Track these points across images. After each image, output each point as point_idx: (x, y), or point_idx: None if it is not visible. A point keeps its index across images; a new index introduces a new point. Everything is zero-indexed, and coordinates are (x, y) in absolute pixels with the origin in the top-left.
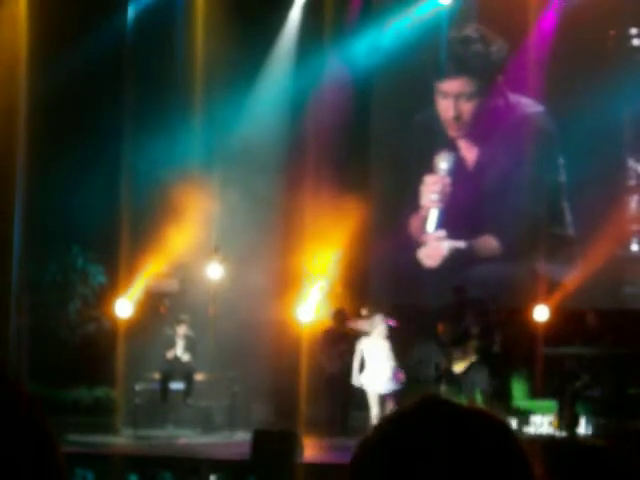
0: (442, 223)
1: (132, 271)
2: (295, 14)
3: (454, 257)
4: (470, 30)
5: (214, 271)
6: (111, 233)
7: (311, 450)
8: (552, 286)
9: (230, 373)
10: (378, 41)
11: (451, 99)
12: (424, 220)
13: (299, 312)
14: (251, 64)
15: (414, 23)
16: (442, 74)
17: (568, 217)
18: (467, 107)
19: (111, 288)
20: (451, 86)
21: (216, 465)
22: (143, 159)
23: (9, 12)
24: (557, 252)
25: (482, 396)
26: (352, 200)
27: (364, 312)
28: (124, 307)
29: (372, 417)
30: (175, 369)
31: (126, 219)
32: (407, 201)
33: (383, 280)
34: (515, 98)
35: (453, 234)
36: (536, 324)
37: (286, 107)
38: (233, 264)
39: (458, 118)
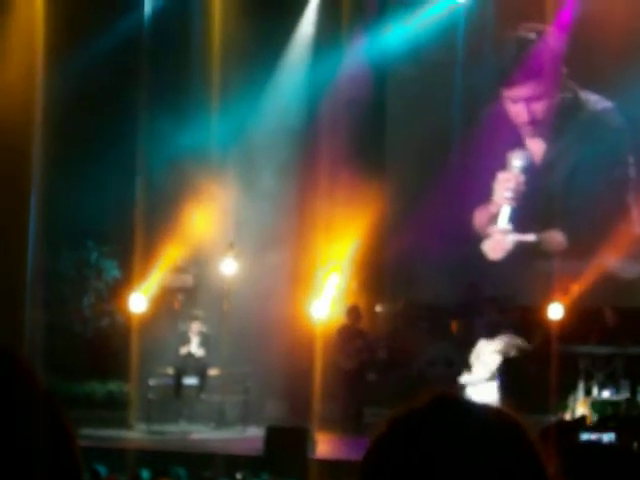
0: (514, 220)
1: (146, 266)
2: (313, 3)
3: (519, 251)
4: (525, 30)
5: (228, 267)
6: (125, 228)
7: (324, 446)
8: (617, 283)
9: (244, 369)
10: (397, 30)
11: (522, 103)
12: (493, 216)
13: (313, 308)
14: (269, 53)
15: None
16: (507, 80)
17: (634, 214)
18: (539, 107)
19: (125, 283)
20: (520, 91)
21: (229, 460)
22: (159, 153)
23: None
24: (622, 249)
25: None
26: (368, 195)
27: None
28: (138, 302)
29: None
30: (189, 364)
31: (140, 214)
32: (426, 194)
33: (398, 276)
34: (585, 94)
35: (519, 228)
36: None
37: (303, 98)
38: (247, 259)
39: (533, 121)
